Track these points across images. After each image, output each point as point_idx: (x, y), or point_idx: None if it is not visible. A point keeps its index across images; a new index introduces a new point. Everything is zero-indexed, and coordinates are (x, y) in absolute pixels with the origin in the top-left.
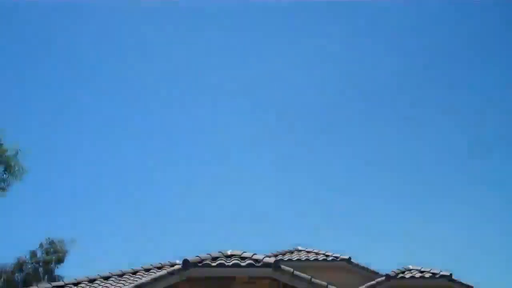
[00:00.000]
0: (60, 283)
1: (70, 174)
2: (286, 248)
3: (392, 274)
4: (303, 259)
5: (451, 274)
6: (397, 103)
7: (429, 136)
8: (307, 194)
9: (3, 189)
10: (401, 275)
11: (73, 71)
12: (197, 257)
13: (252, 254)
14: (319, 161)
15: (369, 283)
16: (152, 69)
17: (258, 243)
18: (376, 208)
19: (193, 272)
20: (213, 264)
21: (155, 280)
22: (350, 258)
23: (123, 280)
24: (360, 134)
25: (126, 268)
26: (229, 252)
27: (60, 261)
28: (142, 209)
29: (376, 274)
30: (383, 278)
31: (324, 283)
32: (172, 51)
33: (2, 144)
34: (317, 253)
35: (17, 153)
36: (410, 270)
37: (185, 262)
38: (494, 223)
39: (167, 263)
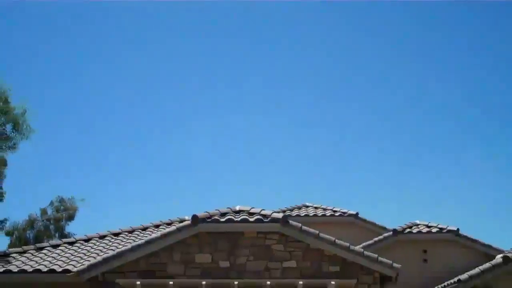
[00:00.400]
0: (71, 239)
1: (79, 132)
2: (294, 204)
3: (399, 229)
4: (311, 214)
5: (458, 229)
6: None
7: (440, 93)
8: (316, 152)
9: (11, 147)
10: (408, 230)
11: (80, 26)
12: (206, 213)
13: (260, 209)
14: (331, 116)
15: (376, 238)
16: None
17: (266, 201)
18: (383, 166)
19: (202, 228)
20: (222, 219)
21: (165, 236)
22: (357, 213)
23: (133, 236)
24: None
25: (136, 225)
26: (237, 208)
27: (70, 218)
28: (151, 170)
29: (383, 229)
30: (390, 233)
31: (332, 238)
32: None
33: (10, 102)
34: (324, 209)
35: (25, 111)
36: (417, 225)
37: (194, 217)
38: (500, 180)
39: (177, 219)
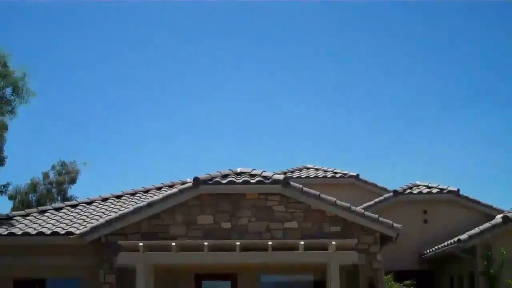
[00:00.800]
0: (74, 202)
1: (80, 97)
2: (295, 166)
3: (399, 190)
4: (312, 176)
5: (458, 190)
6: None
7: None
8: (316, 116)
9: (11, 111)
10: (408, 190)
11: None
12: (207, 175)
13: (261, 171)
14: (333, 79)
15: (377, 199)
16: None
17: (267, 163)
18: (384, 126)
19: (204, 190)
20: (223, 181)
21: (167, 197)
22: (358, 175)
23: (136, 199)
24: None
25: (138, 187)
26: (239, 170)
27: (72, 181)
28: (150, 135)
29: (384, 190)
30: (391, 194)
31: (333, 198)
32: None
33: (9, 66)
34: (325, 171)
35: (24, 75)
36: (417, 186)
37: (196, 180)
38: (500, 141)
39: (178, 181)
